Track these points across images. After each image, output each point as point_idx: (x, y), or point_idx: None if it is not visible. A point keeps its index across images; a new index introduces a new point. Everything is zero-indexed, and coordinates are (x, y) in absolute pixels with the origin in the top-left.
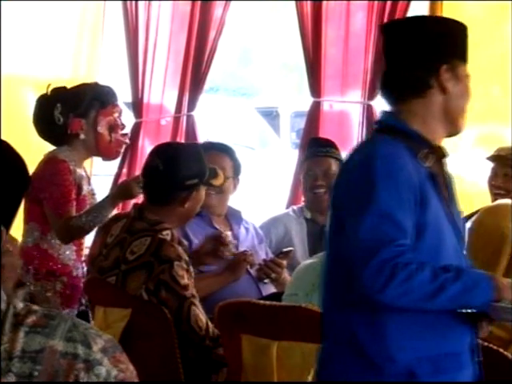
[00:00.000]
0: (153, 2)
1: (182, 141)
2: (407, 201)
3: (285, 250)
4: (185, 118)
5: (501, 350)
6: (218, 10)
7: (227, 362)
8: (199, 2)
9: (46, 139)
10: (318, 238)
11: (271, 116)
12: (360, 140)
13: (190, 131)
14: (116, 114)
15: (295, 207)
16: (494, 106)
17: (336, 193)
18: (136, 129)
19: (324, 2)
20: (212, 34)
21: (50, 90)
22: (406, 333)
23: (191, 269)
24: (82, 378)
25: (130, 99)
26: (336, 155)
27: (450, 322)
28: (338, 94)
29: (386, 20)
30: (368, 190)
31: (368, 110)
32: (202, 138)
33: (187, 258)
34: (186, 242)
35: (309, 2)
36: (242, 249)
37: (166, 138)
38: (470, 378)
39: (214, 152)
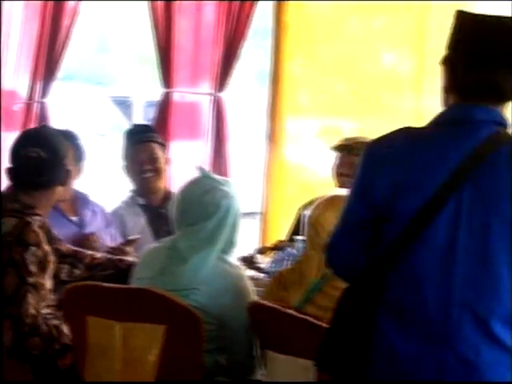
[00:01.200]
0: None
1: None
2: None
3: (131, 237)
4: (37, 104)
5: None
6: None
7: (73, 344)
8: None
9: None
10: (158, 221)
11: (124, 105)
12: (209, 131)
13: (43, 118)
14: None
15: (126, 198)
16: (337, 101)
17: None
18: None
19: None
20: (66, 22)
21: None
22: None
23: (51, 259)
24: None
25: None
26: (158, 139)
27: None
28: (188, 86)
29: (235, 12)
30: None
31: (217, 102)
32: (55, 125)
33: (47, 248)
34: None
35: None
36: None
37: (17, 124)
38: None
39: None
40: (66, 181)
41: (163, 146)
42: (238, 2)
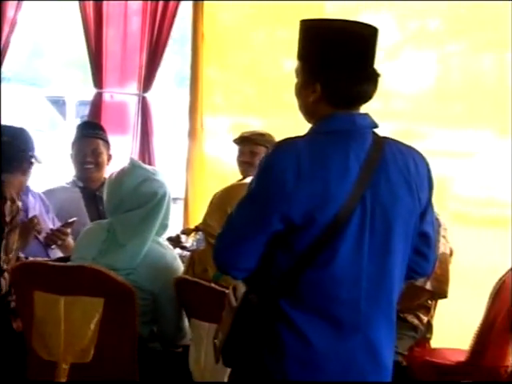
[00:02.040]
0: None
1: None
2: None
3: (70, 220)
4: None
5: None
6: (10, 10)
7: (21, 315)
8: None
9: None
10: (94, 201)
11: (59, 104)
12: (137, 127)
13: None
14: None
15: (68, 181)
16: (247, 101)
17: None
18: None
19: (104, 3)
20: (5, 31)
21: None
22: None
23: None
24: None
25: None
26: (103, 137)
27: None
28: (117, 87)
29: (158, 22)
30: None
31: (143, 101)
32: None
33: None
34: None
35: (91, 3)
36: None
37: None
38: None
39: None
40: (27, 171)
41: (108, 143)
42: (161, 3)
